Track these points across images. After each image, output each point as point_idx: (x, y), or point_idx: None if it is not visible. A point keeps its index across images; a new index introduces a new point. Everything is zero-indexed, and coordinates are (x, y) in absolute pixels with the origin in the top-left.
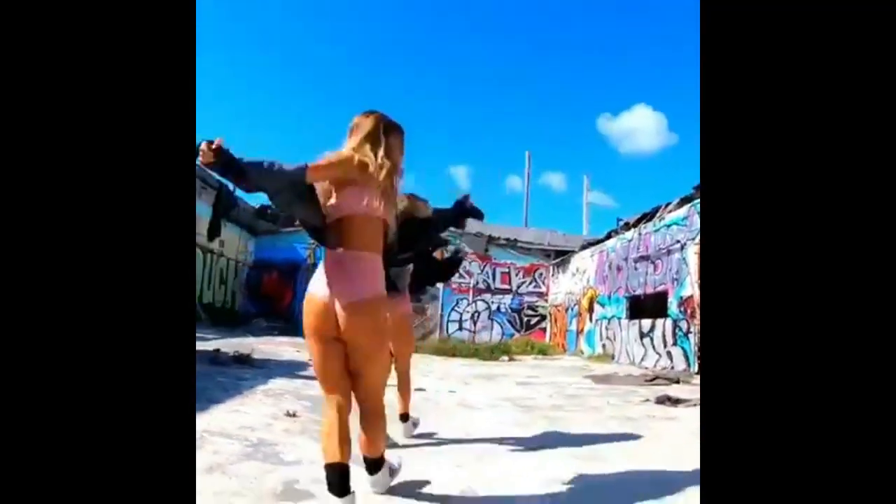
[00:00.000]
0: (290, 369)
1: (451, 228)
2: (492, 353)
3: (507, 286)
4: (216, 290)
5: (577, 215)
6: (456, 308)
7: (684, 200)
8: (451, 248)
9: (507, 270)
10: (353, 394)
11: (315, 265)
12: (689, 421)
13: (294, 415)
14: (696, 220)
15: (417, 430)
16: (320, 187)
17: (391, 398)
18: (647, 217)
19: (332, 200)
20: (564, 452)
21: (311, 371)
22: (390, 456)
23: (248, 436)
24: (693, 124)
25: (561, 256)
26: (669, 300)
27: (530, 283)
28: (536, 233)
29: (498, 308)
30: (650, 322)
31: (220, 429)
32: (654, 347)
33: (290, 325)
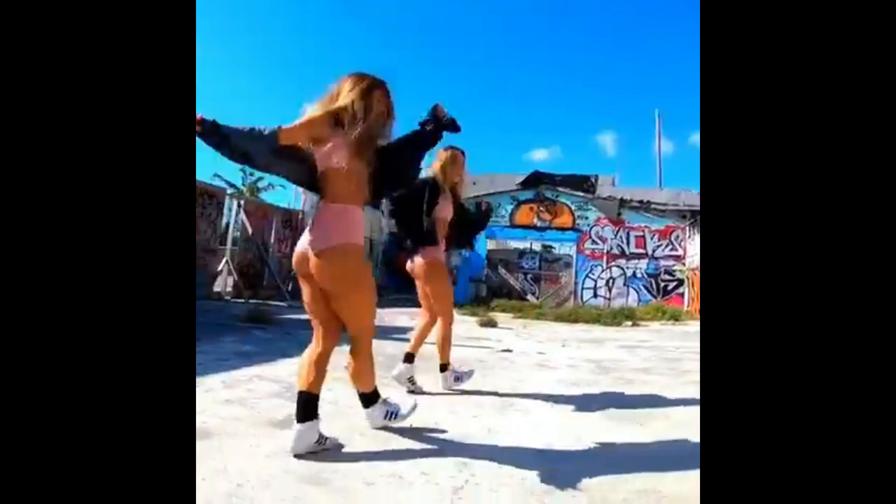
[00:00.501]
0: (384, 333)
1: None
2: (614, 318)
3: (642, 250)
4: None
5: None
6: (590, 275)
7: None
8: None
9: (641, 234)
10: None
11: None
12: None
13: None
14: None
15: (466, 385)
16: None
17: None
18: None
19: (315, 156)
20: (599, 414)
21: (400, 334)
22: (406, 399)
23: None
24: None
25: (697, 216)
26: None
27: (667, 247)
28: (670, 193)
29: (634, 274)
30: None
31: (273, 375)
32: None
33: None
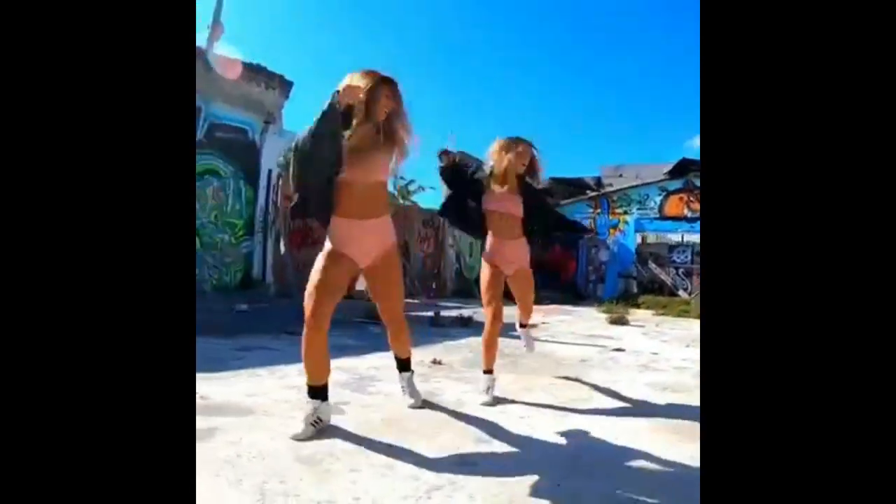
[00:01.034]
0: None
1: None
2: None
3: None
4: None
5: None
6: None
7: None
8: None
9: None
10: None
11: (598, 235)
12: None
13: (437, 363)
14: None
15: (542, 386)
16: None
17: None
18: None
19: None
20: (665, 425)
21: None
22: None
23: (374, 374)
24: None
25: None
26: None
27: None
28: None
29: None
30: None
31: (348, 367)
32: None
33: (567, 294)
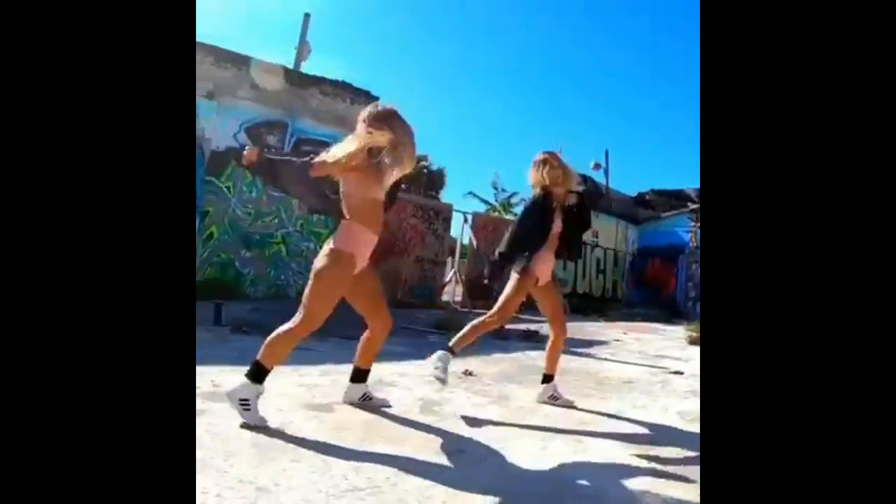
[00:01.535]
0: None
1: None
2: None
3: None
4: (592, 280)
5: None
6: None
7: None
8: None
9: None
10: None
11: (699, 247)
12: None
13: (469, 373)
14: None
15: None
16: None
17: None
18: None
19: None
20: (678, 461)
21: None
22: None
23: (394, 380)
24: None
25: None
26: None
27: None
28: None
29: None
30: None
31: (378, 372)
32: None
33: (663, 311)
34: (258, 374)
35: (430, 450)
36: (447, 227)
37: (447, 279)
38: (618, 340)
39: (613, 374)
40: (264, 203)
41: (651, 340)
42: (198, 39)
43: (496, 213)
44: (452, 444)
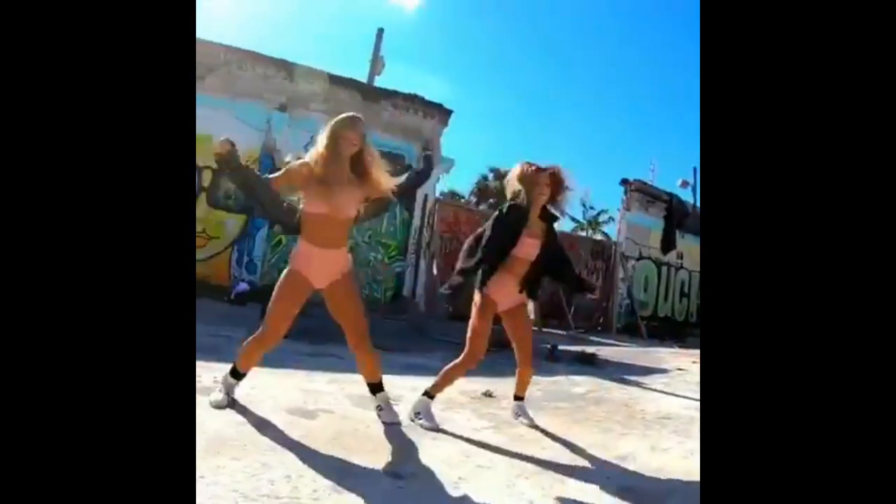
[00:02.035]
0: (611, 371)
1: None
2: None
3: None
4: (675, 304)
5: None
6: None
7: None
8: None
9: None
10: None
11: None
12: None
13: (488, 395)
14: None
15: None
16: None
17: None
18: None
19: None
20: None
21: (623, 374)
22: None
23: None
24: None
25: None
26: None
27: None
28: None
29: None
30: None
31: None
32: None
33: None
34: (235, 374)
35: (388, 469)
36: None
37: None
38: (681, 370)
39: (653, 407)
40: None
41: None
42: (270, 55)
43: (583, 232)
44: (414, 466)
